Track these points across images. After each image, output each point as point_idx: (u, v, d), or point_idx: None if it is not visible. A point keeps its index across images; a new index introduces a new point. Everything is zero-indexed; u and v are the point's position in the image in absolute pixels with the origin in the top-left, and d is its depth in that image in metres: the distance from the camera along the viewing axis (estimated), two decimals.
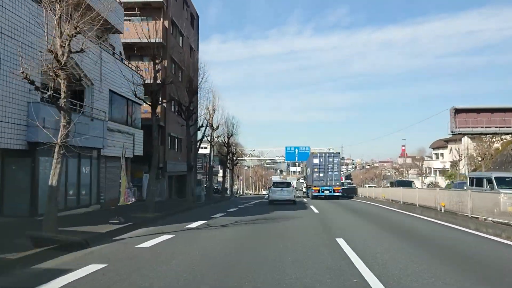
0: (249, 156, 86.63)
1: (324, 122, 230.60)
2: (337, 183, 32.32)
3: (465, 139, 43.47)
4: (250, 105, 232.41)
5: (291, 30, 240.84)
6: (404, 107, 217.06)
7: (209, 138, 31.89)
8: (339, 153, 36.92)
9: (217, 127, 30.88)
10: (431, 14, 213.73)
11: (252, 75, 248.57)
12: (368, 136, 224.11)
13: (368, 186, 54.68)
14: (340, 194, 32.74)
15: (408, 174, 69.05)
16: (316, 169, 32.40)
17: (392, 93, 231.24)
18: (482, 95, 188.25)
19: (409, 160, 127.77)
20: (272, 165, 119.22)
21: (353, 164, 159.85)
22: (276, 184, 25.04)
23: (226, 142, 37.35)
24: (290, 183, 26.09)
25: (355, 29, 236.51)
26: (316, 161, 32.84)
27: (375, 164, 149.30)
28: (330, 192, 31.31)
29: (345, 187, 45.01)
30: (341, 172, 46.56)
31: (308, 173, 38.39)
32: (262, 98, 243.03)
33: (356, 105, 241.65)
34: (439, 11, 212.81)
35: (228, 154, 39.01)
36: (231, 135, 37.64)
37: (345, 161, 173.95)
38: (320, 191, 31.43)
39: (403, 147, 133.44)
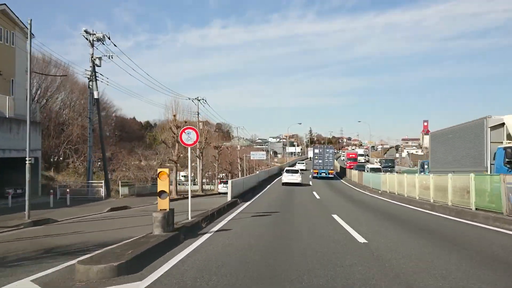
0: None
1: (325, 106, 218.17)
2: (331, 168, 42.77)
3: None
4: (249, 91, 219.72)
5: (293, 14, 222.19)
6: (408, 90, 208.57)
7: None
8: (333, 146, 51.40)
9: None
10: None
11: (252, 60, 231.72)
12: (371, 119, 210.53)
13: None
14: (333, 176, 42.88)
15: None
16: (316, 157, 42.97)
17: (395, 77, 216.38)
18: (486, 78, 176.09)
19: None
20: (263, 146, 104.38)
21: (362, 145, 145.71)
22: (287, 170, 32.29)
23: None
24: (298, 170, 33.48)
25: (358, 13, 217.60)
26: (316, 151, 43.89)
27: (384, 146, 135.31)
28: (326, 174, 41.70)
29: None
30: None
31: (310, 159, 58.03)
32: (262, 83, 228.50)
33: (357, 90, 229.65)
34: None
35: None
36: None
37: (351, 141, 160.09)
38: (319, 173, 41.85)
39: (426, 123, 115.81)
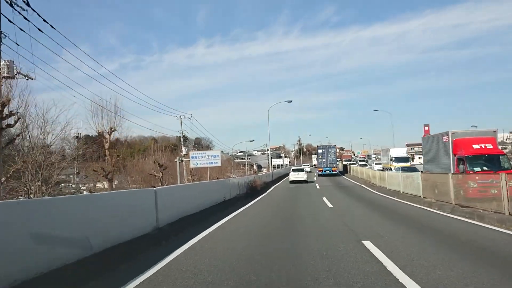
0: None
1: (312, 120, 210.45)
2: (334, 165, 48.00)
3: None
4: (235, 108, 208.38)
5: (279, 31, 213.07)
6: (391, 102, 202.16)
7: None
8: (335, 145, 54.78)
9: None
10: (418, 9, 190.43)
11: (238, 77, 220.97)
12: (363, 129, 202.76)
13: None
14: (336, 173, 48.31)
15: None
16: (320, 156, 48.29)
17: (380, 89, 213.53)
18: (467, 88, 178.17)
19: None
20: (244, 160, 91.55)
21: (356, 155, 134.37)
22: (294, 169, 37.56)
23: None
24: (303, 169, 38.21)
25: (342, 28, 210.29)
26: (320, 151, 49.08)
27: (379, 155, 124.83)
28: (330, 171, 46.47)
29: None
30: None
31: (315, 166, 67.58)
32: (248, 100, 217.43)
33: (343, 103, 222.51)
34: (425, 6, 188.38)
35: None
36: None
37: (344, 151, 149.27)
38: (323, 171, 46.68)
39: (427, 128, 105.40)
